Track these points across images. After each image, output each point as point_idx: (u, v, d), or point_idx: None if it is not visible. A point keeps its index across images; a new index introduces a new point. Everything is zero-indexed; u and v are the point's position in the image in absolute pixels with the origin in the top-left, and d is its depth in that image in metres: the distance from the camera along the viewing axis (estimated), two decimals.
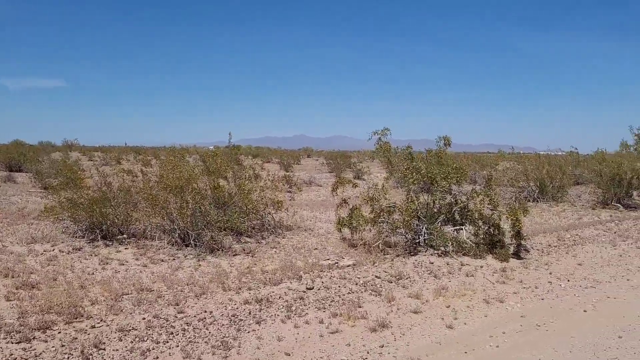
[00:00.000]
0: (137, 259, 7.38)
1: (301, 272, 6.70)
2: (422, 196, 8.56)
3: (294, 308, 5.45)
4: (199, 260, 7.35)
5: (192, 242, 8.01)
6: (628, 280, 7.08)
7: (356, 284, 6.30)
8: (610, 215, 13.02)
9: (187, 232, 8.10)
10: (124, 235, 8.54)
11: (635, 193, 15.32)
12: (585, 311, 5.77)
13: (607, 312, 5.75)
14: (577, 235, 9.93)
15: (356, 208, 8.57)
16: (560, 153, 27.05)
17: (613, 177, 14.65)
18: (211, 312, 5.25)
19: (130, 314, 5.13)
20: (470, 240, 8.01)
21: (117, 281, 6.18)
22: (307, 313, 5.36)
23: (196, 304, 5.48)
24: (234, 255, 7.74)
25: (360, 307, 5.60)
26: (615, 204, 14.54)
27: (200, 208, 8.23)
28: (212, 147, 13.54)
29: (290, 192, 14.68)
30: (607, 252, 8.70)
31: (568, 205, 14.76)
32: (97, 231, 8.43)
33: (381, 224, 8.37)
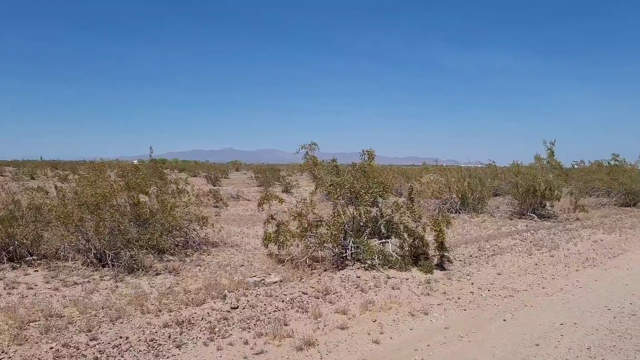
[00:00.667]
0: (47, 282, 6.86)
1: (226, 290, 6.48)
2: (349, 209, 8.58)
3: (217, 329, 5.23)
4: (116, 282, 6.94)
5: (109, 262, 7.56)
6: (543, 288, 7.40)
7: (283, 301, 6.16)
8: (526, 225, 13.68)
9: (104, 252, 7.65)
10: (33, 257, 7.94)
11: (548, 204, 16.20)
12: (505, 320, 5.94)
13: (525, 320, 5.95)
14: (496, 245, 10.32)
15: (283, 223, 8.45)
16: (480, 165, 28.27)
17: (528, 189, 15.46)
18: (127, 337, 4.93)
19: (37, 343, 4.72)
20: (396, 253, 8.10)
21: (24, 307, 5.70)
22: (230, 334, 5.16)
23: (111, 329, 5.13)
24: (155, 275, 7.38)
25: (286, 325, 5.47)
26: (531, 214, 15.33)
27: (118, 226, 7.81)
28: (135, 161, 13.01)
29: (216, 207, 14.34)
30: (523, 261, 9.09)
31: (488, 216, 15.39)
32: (3, 253, 7.79)
33: (309, 238, 8.31)
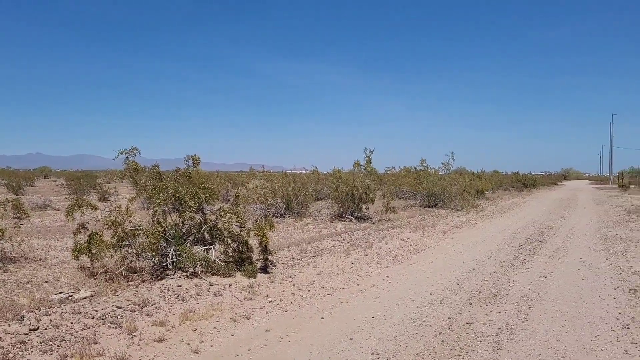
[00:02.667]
0: None
1: (24, 310, 5.74)
2: (171, 217, 8.24)
3: (11, 355, 4.60)
4: None
5: None
6: (358, 285, 7.91)
7: (93, 318, 5.65)
8: (345, 227, 14.56)
9: None
10: None
11: (364, 206, 17.44)
12: (322, 318, 6.21)
13: (341, 316, 6.29)
14: (317, 247, 10.79)
15: (96, 233, 7.79)
16: (304, 171, 29.42)
17: (347, 193, 16.49)
18: None
19: None
20: (220, 259, 7.99)
21: None
22: (28, 359, 4.58)
23: None
24: None
25: (96, 343, 5.03)
26: (349, 217, 16.36)
27: None
28: None
29: (17, 218, 12.72)
30: (341, 260, 9.63)
31: (311, 220, 16.05)
32: None
33: (125, 248, 7.78)
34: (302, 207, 17.08)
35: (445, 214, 19.54)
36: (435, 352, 5.06)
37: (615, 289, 7.65)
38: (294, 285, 7.66)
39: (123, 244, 7.72)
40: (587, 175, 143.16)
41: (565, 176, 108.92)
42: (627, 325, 5.89)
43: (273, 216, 16.18)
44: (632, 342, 5.33)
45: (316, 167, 23.32)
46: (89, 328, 5.38)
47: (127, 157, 8.69)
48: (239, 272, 7.92)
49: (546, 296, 7.24)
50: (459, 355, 4.99)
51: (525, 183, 47.11)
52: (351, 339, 5.47)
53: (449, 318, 6.19)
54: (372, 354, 5.03)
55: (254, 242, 8.54)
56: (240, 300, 6.75)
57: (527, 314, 6.36)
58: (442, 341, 5.38)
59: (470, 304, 6.84)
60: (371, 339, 5.48)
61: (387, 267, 9.31)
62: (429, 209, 21.62)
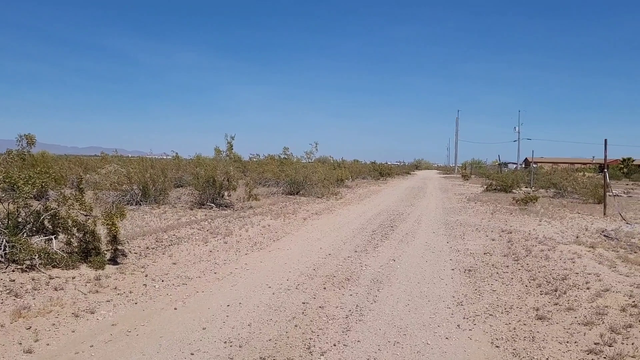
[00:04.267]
0: None
1: None
2: (3, 205, 7.39)
3: None
4: None
5: None
6: (215, 273, 7.77)
7: None
8: (205, 215, 14.25)
9: None
10: None
11: (226, 194, 17.21)
12: (175, 309, 5.99)
13: (195, 306, 6.12)
14: (174, 235, 10.41)
15: None
16: (166, 157, 28.26)
17: (208, 179, 16.13)
18: None
19: None
20: (63, 250, 7.36)
21: None
22: None
23: None
24: None
25: None
26: (210, 204, 16.04)
27: None
28: None
29: None
30: (199, 249, 9.40)
31: (169, 207, 15.45)
32: None
33: None
34: (160, 194, 16.37)
35: (306, 202, 20.00)
36: (288, 337, 5.14)
37: (453, 269, 8.40)
38: (146, 276, 7.30)
39: None
40: (436, 165, 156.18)
41: (417, 166, 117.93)
42: (460, 302, 6.50)
43: (128, 204, 15.31)
44: (464, 318, 5.89)
45: (177, 153, 22.54)
46: None
47: None
48: (85, 264, 7.36)
49: (394, 278, 7.73)
50: (311, 338, 5.12)
51: (381, 172, 49.95)
52: (204, 328, 5.35)
53: (304, 303, 6.33)
54: (225, 342, 4.97)
55: (103, 231, 7.99)
56: (85, 294, 6.26)
57: (376, 296, 6.73)
58: (296, 326, 5.48)
59: (325, 288, 7.06)
60: (225, 327, 5.41)
61: (246, 254, 9.28)
62: (291, 196, 21.98)
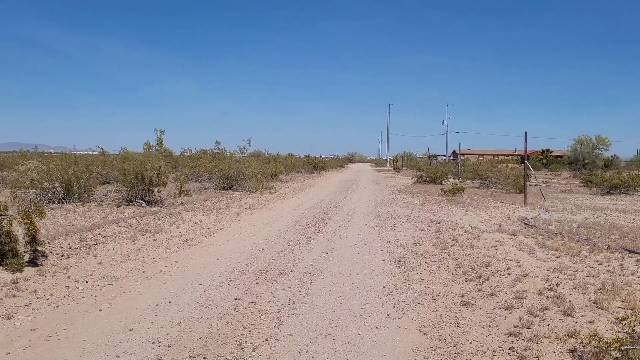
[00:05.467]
0: None
1: None
2: None
3: None
4: None
5: None
6: (143, 272, 7.53)
7: None
8: (134, 212, 13.78)
9: None
10: None
11: (156, 190, 16.72)
12: (100, 310, 5.75)
13: (122, 307, 5.91)
14: (99, 234, 10.00)
15: None
16: (92, 153, 27.11)
17: (136, 175, 15.59)
18: None
19: None
20: None
21: None
22: None
23: None
24: None
25: None
26: (139, 201, 15.52)
27: None
28: None
29: None
30: (127, 247, 9.07)
31: (95, 205, 14.84)
32: None
33: None
34: (85, 191, 15.67)
35: (239, 196, 19.79)
36: (219, 334, 5.07)
37: (384, 260, 8.59)
38: (69, 278, 6.97)
39: None
40: (369, 158, 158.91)
41: (350, 159, 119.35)
42: (390, 292, 6.66)
43: (50, 202, 14.56)
44: (394, 307, 6.03)
45: (102, 148, 21.65)
46: None
47: None
48: (1, 267, 6.92)
49: (326, 271, 7.80)
50: (242, 334, 5.07)
51: (315, 166, 50.23)
52: (131, 329, 5.17)
53: (236, 299, 6.26)
54: (154, 343, 4.83)
55: (21, 231, 7.54)
56: (1, 299, 5.90)
57: (309, 289, 6.76)
58: (227, 322, 5.41)
59: (257, 283, 7.02)
60: (153, 327, 5.25)
61: (176, 251, 9.05)
62: (224, 191, 21.68)
